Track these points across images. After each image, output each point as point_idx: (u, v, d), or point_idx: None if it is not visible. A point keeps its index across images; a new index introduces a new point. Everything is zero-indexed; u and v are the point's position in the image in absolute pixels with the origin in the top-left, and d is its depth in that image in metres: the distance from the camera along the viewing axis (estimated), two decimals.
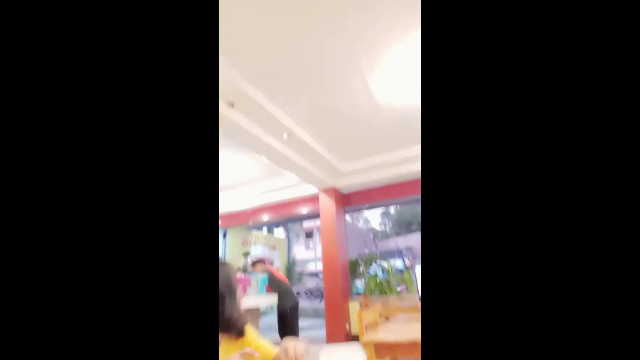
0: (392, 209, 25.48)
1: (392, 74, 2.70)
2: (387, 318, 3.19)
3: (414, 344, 1.63)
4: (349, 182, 4.97)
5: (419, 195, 5.76)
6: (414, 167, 4.71)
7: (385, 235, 24.10)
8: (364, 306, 3.88)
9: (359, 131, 3.74)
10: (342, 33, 2.20)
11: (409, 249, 19.93)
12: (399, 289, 4.91)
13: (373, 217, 26.31)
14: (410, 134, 3.95)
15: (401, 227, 24.49)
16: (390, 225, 25.82)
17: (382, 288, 4.80)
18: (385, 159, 4.56)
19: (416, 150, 4.53)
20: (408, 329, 1.97)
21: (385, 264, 5.31)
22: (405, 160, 4.59)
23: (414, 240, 21.96)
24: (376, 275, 5.07)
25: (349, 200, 5.32)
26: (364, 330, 1.98)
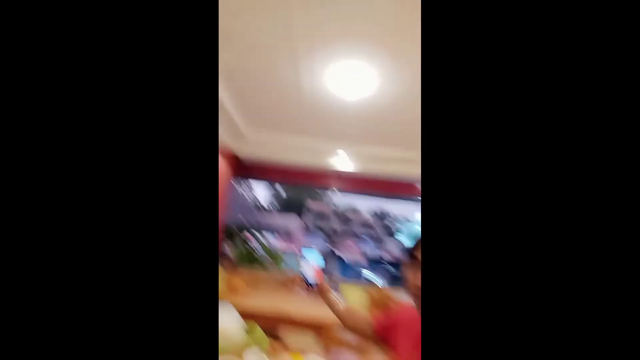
0: (282, 191, 25.98)
1: (329, 65, 2.72)
2: (253, 288, 3.27)
3: (278, 317, 1.69)
4: (251, 151, 4.84)
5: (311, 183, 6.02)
6: (322, 159, 4.89)
7: (264, 211, 24.45)
8: (230, 271, 3.88)
9: (278, 105, 3.66)
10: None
11: (285, 228, 20.83)
12: (270, 262, 5.09)
13: (262, 192, 26.34)
14: (331, 127, 4.06)
15: (282, 206, 25.25)
16: (277, 204, 26.34)
17: (252, 259, 4.88)
18: (299, 142, 4.60)
19: (330, 144, 4.71)
20: (272, 300, 2.05)
21: (261, 238, 5.40)
22: (314, 150, 4.71)
23: (292, 221, 23.04)
24: (249, 245, 5.13)
25: (244, 169, 5.19)
26: (228, 294, 1.99)
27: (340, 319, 1.22)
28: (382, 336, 1.12)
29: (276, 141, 4.67)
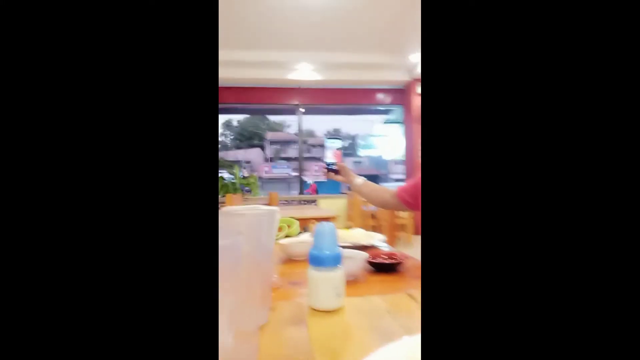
0: (235, 121, 24.91)
1: None
2: None
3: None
4: None
5: (270, 106, 5.81)
6: (286, 74, 4.66)
7: (225, 147, 23.73)
8: None
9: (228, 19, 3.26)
10: None
11: (248, 162, 20.60)
12: (246, 189, 5.17)
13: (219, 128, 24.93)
14: (302, 37, 3.76)
15: (242, 140, 24.55)
16: (232, 137, 25.48)
17: (227, 189, 4.86)
18: (257, 56, 4.27)
19: (296, 55, 4.43)
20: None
21: (234, 169, 5.36)
22: (278, 64, 4.45)
23: (254, 154, 22.73)
24: (222, 177, 5.08)
25: None
26: None
27: (362, 194, 1.23)
28: (406, 200, 1.16)
29: (231, 59, 4.30)
